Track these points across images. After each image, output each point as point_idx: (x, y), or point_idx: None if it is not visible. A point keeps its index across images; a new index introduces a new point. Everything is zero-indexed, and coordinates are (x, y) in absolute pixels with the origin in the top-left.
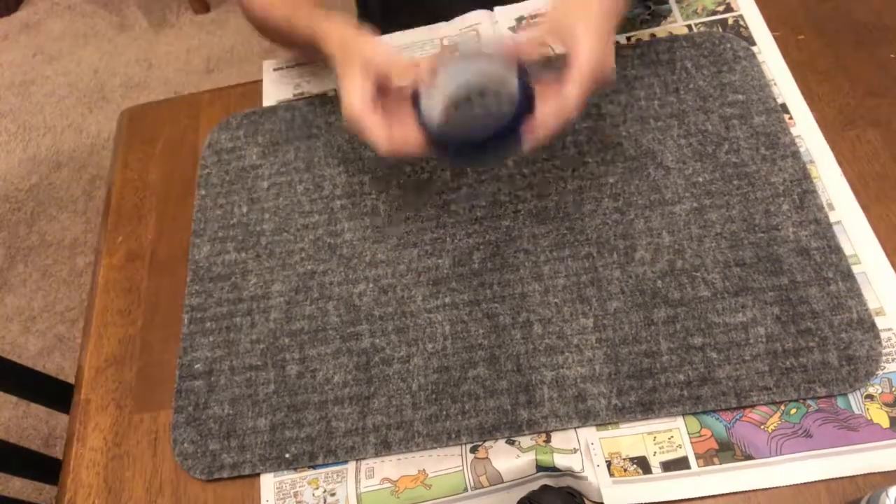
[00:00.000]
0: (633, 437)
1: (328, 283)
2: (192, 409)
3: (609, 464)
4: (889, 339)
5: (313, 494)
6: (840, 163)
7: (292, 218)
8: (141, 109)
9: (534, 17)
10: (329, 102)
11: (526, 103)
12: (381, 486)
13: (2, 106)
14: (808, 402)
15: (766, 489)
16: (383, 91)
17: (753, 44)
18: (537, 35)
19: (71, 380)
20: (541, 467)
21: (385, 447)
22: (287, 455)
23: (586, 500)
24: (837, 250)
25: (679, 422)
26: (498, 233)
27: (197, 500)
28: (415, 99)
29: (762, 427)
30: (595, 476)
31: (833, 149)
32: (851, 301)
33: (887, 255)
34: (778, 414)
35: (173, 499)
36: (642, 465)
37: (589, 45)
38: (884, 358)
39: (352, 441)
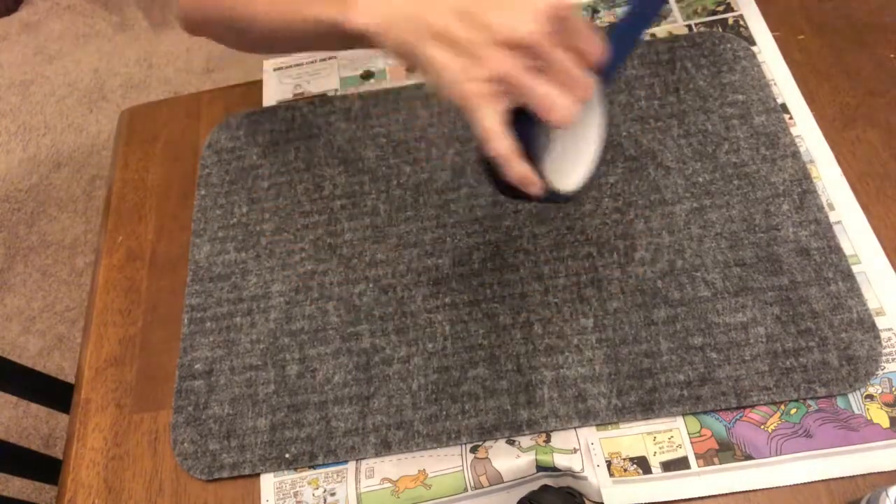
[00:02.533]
0: (633, 437)
1: (328, 283)
2: (192, 409)
3: (609, 464)
4: (889, 339)
5: (313, 494)
6: (840, 163)
7: (292, 218)
8: (141, 109)
9: None
10: (329, 102)
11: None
12: (381, 486)
13: (2, 106)
14: (808, 402)
15: (766, 489)
16: None
17: (753, 44)
18: None
19: (71, 380)
20: (541, 467)
21: (385, 447)
22: (287, 455)
23: (586, 500)
24: (837, 250)
25: (679, 422)
26: (498, 233)
27: (197, 500)
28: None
29: (762, 427)
30: (595, 476)
31: (833, 149)
32: (851, 301)
33: (887, 255)
34: (778, 414)
35: (173, 499)
36: (642, 465)
37: None
38: (884, 358)
39: (352, 441)
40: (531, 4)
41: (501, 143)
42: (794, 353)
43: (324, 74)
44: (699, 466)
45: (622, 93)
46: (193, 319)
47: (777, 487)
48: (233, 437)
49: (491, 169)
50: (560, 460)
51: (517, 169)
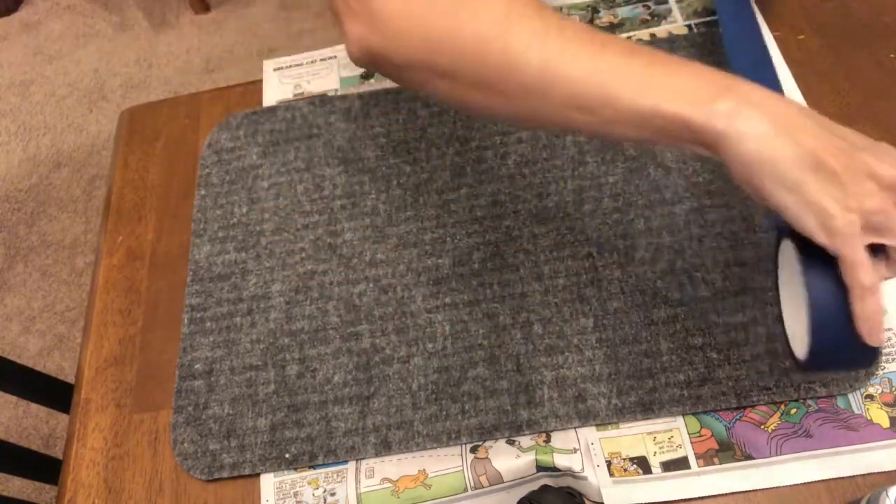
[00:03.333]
0: (633, 437)
1: (328, 283)
2: (192, 409)
3: (609, 464)
4: (889, 339)
5: (313, 494)
6: None
7: (292, 218)
8: (141, 109)
9: None
10: (329, 102)
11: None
12: (381, 486)
13: (2, 106)
14: (808, 401)
15: (766, 489)
16: None
17: None
18: None
19: (71, 380)
20: (541, 467)
21: (385, 447)
22: (287, 455)
23: (586, 500)
24: None
25: (679, 422)
26: (498, 233)
27: (197, 500)
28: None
29: (762, 427)
30: (595, 476)
31: None
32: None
33: None
34: (778, 414)
35: (173, 499)
36: (642, 465)
37: None
38: (884, 358)
39: (352, 441)
40: None
41: (870, 274)
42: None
43: (324, 74)
44: (699, 466)
45: None
46: (193, 319)
47: (777, 487)
48: (233, 437)
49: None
50: (560, 460)
51: (879, 313)
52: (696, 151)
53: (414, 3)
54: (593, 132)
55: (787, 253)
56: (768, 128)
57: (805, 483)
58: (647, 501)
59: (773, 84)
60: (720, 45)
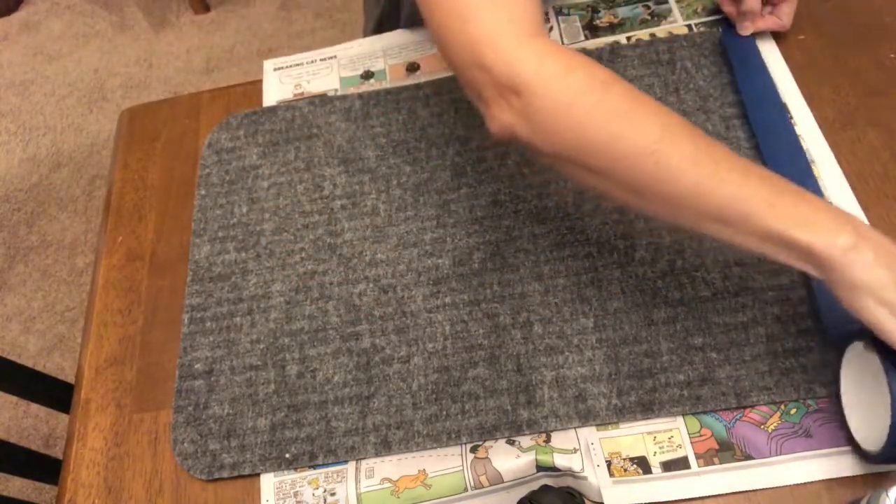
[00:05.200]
0: (633, 437)
1: (328, 283)
2: (192, 409)
3: (609, 464)
4: None
5: (313, 494)
6: (840, 163)
7: (292, 218)
8: (141, 109)
9: None
10: (329, 102)
11: None
12: (381, 486)
13: (2, 106)
14: (808, 401)
15: (766, 489)
16: None
17: None
18: None
19: (71, 380)
20: (541, 467)
21: (385, 447)
22: (287, 455)
23: (586, 500)
24: None
25: (679, 422)
26: (498, 233)
27: (197, 500)
28: None
29: (762, 427)
30: (595, 476)
31: (833, 149)
32: None
33: None
34: (778, 414)
35: (173, 499)
36: (642, 465)
37: None
38: None
39: (352, 441)
40: None
41: None
42: (794, 353)
43: (324, 74)
44: (699, 466)
45: None
46: (193, 319)
47: (777, 487)
48: (233, 437)
49: None
50: (560, 460)
51: None
52: (801, 268)
53: (574, 109)
54: (719, 238)
55: (862, 358)
56: (873, 258)
57: (805, 483)
58: (647, 501)
59: (807, 171)
60: (719, 45)
